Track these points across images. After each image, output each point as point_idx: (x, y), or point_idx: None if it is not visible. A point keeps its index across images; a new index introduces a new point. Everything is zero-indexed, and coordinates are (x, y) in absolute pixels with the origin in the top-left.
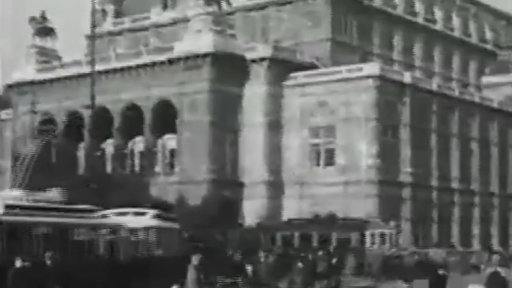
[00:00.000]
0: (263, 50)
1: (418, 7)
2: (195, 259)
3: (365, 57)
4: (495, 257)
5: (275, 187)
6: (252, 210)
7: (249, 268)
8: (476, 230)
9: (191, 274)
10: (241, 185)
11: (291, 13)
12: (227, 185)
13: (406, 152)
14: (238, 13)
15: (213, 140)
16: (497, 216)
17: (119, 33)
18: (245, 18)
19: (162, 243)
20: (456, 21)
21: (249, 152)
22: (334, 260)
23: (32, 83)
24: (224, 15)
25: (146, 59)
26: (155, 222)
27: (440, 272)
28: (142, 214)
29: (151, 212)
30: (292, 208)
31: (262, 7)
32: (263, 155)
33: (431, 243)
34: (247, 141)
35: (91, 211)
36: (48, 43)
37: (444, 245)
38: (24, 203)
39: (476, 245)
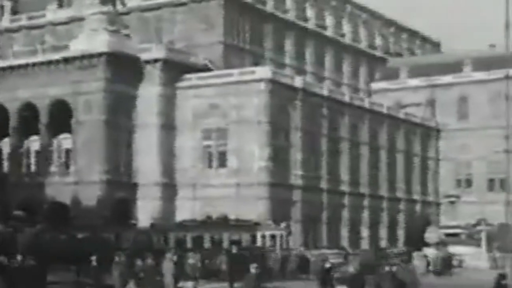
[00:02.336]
0: (156, 51)
1: (309, 12)
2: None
3: (257, 61)
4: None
5: (169, 188)
6: (146, 211)
7: None
8: (365, 232)
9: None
10: (135, 186)
11: (185, 15)
12: (121, 186)
13: (297, 155)
14: (133, 14)
15: (107, 141)
16: (386, 218)
17: (16, 30)
18: (139, 18)
19: None
20: (346, 28)
21: (143, 153)
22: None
23: None
24: (119, 15)
25: (41, 57)
26: None
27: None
28: None
29: None
30: (186, 209)
31: (157, 8)
32: (157, 156)
33: (320, 245)
34: (142, 142)
35: None
36: None
37: (333, 247)
38: None
39: (365, 246)
